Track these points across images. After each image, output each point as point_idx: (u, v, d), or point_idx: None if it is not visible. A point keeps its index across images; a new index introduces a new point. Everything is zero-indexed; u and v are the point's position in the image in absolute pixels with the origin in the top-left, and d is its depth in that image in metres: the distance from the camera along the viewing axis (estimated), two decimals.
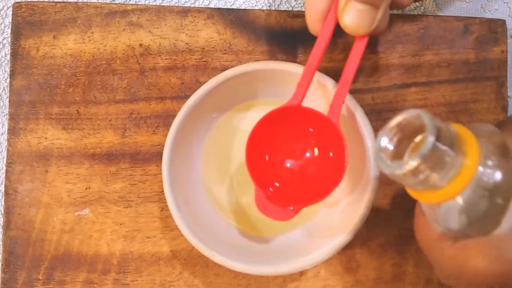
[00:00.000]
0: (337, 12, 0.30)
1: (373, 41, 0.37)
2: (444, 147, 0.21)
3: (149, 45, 0.38)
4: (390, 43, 0.37)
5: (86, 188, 0.37)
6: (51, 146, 0.37)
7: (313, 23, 0.31)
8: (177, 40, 0.38)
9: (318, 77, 0.32)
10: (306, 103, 0.31)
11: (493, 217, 0.23)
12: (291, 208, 0.31)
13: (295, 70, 0.32)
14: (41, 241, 0.37)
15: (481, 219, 0.23)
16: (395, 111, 0.37)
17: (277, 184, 0.33)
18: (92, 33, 0.38)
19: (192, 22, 0.38)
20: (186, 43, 0.37)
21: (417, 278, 0.36)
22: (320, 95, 0.33)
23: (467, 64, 0.37)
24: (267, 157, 0.33)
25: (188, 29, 0.38)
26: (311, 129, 0.33)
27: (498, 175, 0.23)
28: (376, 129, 0.34)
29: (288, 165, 0.34)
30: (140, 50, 0.38)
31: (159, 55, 0.37)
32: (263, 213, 0.31)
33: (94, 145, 0.37)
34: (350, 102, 0.31)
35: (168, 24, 0.38)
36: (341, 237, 0.31)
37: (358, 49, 0.30)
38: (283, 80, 0.33)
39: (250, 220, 0.35)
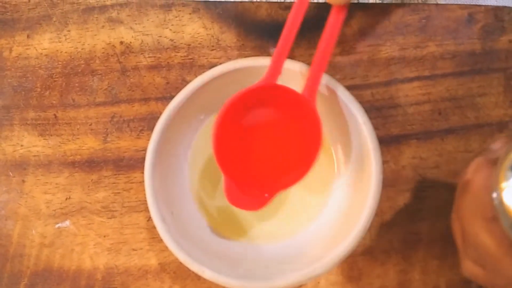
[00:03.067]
0: None
1: (372, 32, 0.35)
2: None
3: (130, 42, 0.35)
4: (390, 34, 0.35)
5: (66, 199, 0.35)
6: (28, 154, 0.35)
7: None
8: (160, 36, 0.35)
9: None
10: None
11: None
12: (266, 195, 0.29)
13: (289, 66, 0.29)
14: (20, 256, 0.34)
15: None
16: (396, 107, 0.34)
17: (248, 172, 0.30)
18: (69, 31, 0.35)
19: (176, 17, 0.35)
20: (170, 40, 0.35)
21: (424, 286, 0.34)
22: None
23: (473, 56, 0.35)
24: (236, 142, 0.29)
25: (172, 24, 0.35)
26: (284, 109, 0.30)
27: None
28: (377, 127, 0.32)
29: (259, 149, 0.30)
30: (121, 48, 0.35)
31: (142, 53, 0.35)
32: (233, 204, 0.29)
33: (73, 152, 0.35)
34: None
35: (151, 20, 0.35)
36: (344, 246, 0.28)
37: (335, 23, 0.28)
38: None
39: (243, 229, 0.33)
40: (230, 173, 0.29)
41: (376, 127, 0.30)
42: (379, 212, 0.33)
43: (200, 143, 0.33)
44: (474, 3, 0.36)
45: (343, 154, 0.33)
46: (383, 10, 0.35)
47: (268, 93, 0.28)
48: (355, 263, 0.34)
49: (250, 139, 0.30)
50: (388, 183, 0.34)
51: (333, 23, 0.28)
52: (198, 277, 0.34)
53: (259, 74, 0.30)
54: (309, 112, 0.28)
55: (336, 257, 0.28)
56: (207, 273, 0.28)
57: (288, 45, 0.28)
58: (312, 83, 0.28)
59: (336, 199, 0.33)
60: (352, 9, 0.35)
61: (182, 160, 0.33)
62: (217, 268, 0.28)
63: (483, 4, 0.35)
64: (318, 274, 0.28)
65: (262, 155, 0.30)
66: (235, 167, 0.29)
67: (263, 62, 0.29)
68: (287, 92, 0.28)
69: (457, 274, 0.33)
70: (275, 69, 0.28)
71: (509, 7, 0.35)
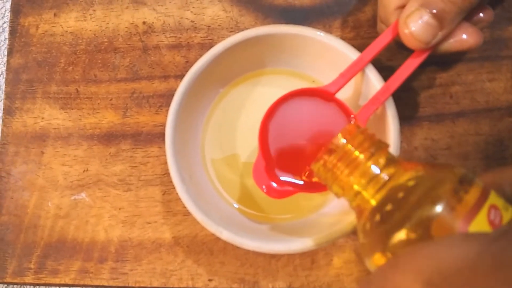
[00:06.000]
0: (401, 17, 0.28)
1: None
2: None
3: (152, 22, 0.36)
4: None
5: (84, 171, 0.35)
6: (48, 126, 0.36)
7: (383, 20, 0.31)
8: (181, 18, 0.36)
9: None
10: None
11: None
12: (290, 188, 0.29)
13: (307, 33, 0.30)
14: (34, 227, 0.35)
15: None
16: (408, 90, 0.35)
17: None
18: (94, 10, 0.37)
19: (197, 0, 0.36)
20: (191, 21, 0.36)
21: None
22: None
23: (482, 43, 0.36)
24: (282, 133, 0.30)
25: (193, 7, 0.36)
26: (333, 122, 0.30)
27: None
28: None
29: (300, 144, 0.30)
30: (143, 27, 0.36)
31: (163, 33, 0.36)
32: (257, 183, 0.29)
33: (93, 125, 0.36)
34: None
35: (173, 2, 0.37)
36: None
37: (412, 62, 0.29)
38: (294, 47, 0.31)
39: (256, 203, 0.33)
40: (266, 155, 0.29)
41: None
42: None
43: (218, 113, 0.34)
44: None
45: None
46: None
47: (324, 99, 0.30)
48: None
49: (293, 136, 0.30)
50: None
51: (409, 64, 0.29)
52: (211, 252, 0.34)
53: (278, 43, 0.31)
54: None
55: (353, 222, 0.28)
56: (224, 234, 0.28)
57: (360, 67, 0.30)
58: (369, 107, 0.29)
59: None
60: None
61: (198, 128, 0.33)
62: (234, 230, 0.28)
63: None
64: (335, 237, 0.28)
65: (298, 152, 0.30)
66: (274, 150, 0.29)
67: (285, 29, 0.30)
68: (341, 106, 0.29)
69: None
70: (339, 83, 0.29)
71: None
